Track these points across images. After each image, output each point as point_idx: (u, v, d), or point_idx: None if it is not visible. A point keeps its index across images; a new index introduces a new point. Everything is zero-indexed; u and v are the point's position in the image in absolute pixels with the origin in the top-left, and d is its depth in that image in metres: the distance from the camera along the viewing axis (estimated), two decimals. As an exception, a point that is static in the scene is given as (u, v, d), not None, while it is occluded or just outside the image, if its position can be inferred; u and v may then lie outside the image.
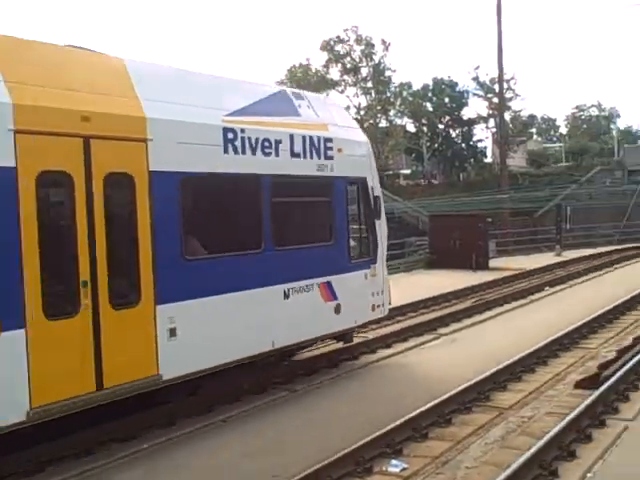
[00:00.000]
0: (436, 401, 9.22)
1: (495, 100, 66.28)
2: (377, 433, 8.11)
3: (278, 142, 10.43)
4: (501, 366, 11.07)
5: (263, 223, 10.22)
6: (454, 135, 76.29)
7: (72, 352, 7.60)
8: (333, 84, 71.31)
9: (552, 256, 30.77)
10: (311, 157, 11.15)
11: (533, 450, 7.48)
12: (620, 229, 42.09)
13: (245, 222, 10.28)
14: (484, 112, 73.97)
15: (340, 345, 12.55)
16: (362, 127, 68.46)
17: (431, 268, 26.33)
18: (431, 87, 75.52)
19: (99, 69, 8.68)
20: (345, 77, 71.03)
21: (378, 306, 12.64)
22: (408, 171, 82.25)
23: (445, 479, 7.42)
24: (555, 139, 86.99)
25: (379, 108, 71.78)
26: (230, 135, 9.62)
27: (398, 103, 73.36)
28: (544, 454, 7.49)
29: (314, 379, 11.28)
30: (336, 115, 12.49)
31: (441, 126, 77.70)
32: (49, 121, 7.49)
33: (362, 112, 71.28)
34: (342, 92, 71.91)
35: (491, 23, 45.29)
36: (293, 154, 10.75)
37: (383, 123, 73.26)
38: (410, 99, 73.77)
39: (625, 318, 15.88)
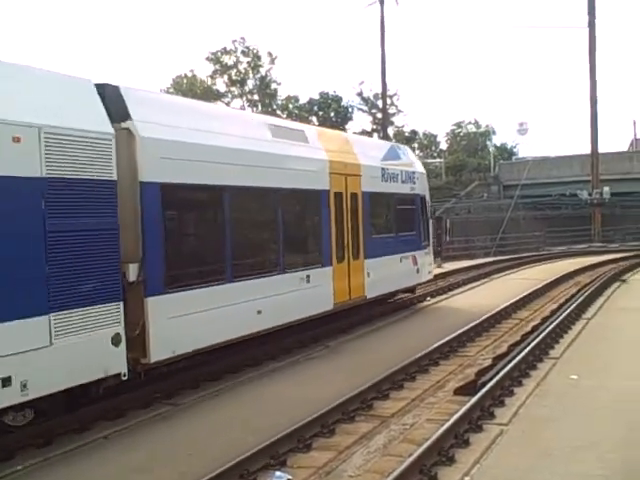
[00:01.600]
0: (319, 412, 9.27)
1: (379, 115, 67.95)
2: (260, 446, 8.07)
3: (396, 175, 18.89)
4: (383, 375, 11.26)
5: (394, 220, 18.93)
6: (339, 149, 77.34)
7: (344, 279, 15.72)
8: (219, 95, 70.96)
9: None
10: (407, 183, 19.51)
11: (414, 457, 7.64)
12: (496, 241, 43.90)
13: (387, 218, 18.90)
14: (368, 127, 75.56)
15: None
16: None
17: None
18: (317, 101, 76.31)
19: (344, 141, 17.96)
20: (231, 88, 70.84)
21: (429, 272, 21.25)
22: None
23: (329, 488, 7.47)
24: (436, 154, 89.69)
25: (265, 121, 71.74)
26: (383, 172, 18.17)
27: (284, 116, 73.76)
28: (424, 460, 7.66)
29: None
30: (411, 156, 21.67)
31: (326, 140, 78.45)
32: (339, 169, 15.74)
33: (248, 124, 71.09)
34: (228, 104, 71.67)
35: (375, 39, 46.31)
36: (402, 181, 19.18)
37: (269, 136, 73.34)
38: (296, 112, 74.34)
39: (500, 326, 16.53)
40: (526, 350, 12.45)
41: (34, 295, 8.18)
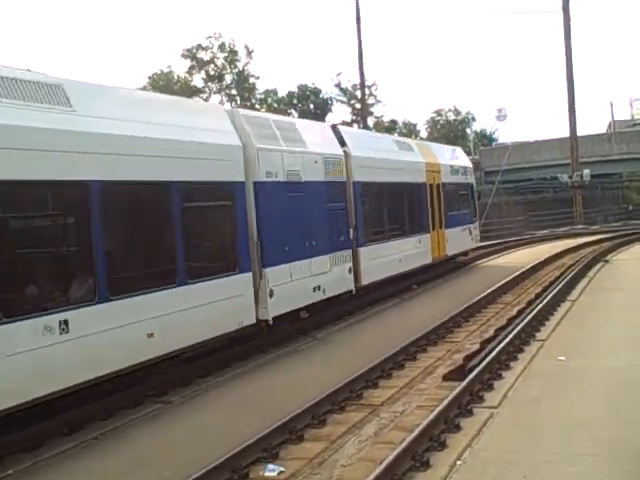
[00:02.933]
0: (310, 403, 9.27)
1: (358, 106, 67.89)
2: (252, 440, 8.07)
3: (457, 169, 26.54)
4: (372, 364, 11.28)
5: (458, 201, 26.16)
6: (319, 141, 77.26)
7: (435, 242, 22.87)
8: (197, 91, 70.57)
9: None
10: (463, 175, 27.33)
11: (405, 443, 7.66)
12: (480, 227, 44.00)
13: (455, 200, 25.72)
14: (348, 118, 75.46)
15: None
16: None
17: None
18: (296, 94, 76.09)
19: (429, 147, 26.19)
20: (209, 84, 70.49)
21: (477, 240, 28.80)
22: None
23: (322, 479, 7.48)
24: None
25: (245, 115, 71.48)
26: (451, 168, 25.77)
27: (264, 110, 73.53)
28: (416, 446, 7.68)
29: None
30: (464, 155, 30.03)
31: (307, 132, 78.33)
32: (430, 168, 23.28)
33: (228, 119, 70.80)
34: (207, 99, 71.25)
35: (352, 29, 46.25)
36: (461, 174, 27.06)
37: (249, 130, 73.11)
38: (275, 106, 74.08)
39: (486, 311, 16.61)
40: (513, 333, 12.52)
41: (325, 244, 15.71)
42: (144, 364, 10.26)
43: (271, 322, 13.24)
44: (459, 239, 25.85)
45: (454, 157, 27.63)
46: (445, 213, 24.26)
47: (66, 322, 8.85)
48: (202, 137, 11.90)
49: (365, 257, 17.69)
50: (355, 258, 17.21)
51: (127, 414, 10.05)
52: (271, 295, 13.21)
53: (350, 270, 16.82)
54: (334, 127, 18.70)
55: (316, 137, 16.43)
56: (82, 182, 9.38)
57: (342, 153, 17.13)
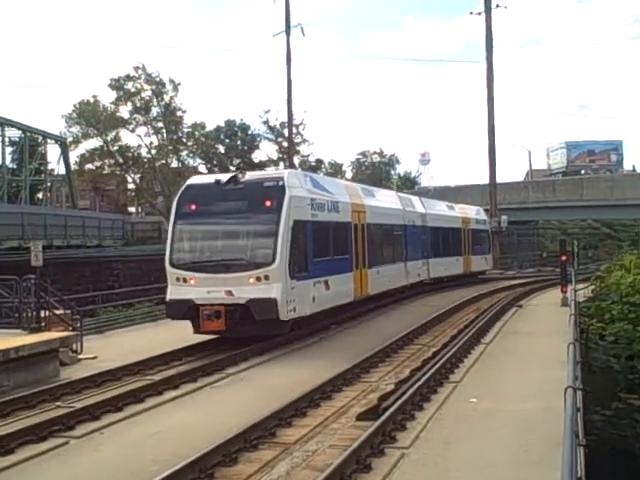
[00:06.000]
0: (221, 440, 9.12)
1: (285, 144, 68.30)
2: (161, 476, 7.86)
3: (479, 220, 41.70)
4: (286, 402, 11.19)
5: (478, 239, 40.96)
6: (245, 177, 77.13)
7: (467, 263, 38.53)
8: (124, 122, 69.80)
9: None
10: (482, 224, 42.18)
11: (316, 483, 7.61)
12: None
13: (478, 238, 40.63)
14: (274, 155, 75.83)
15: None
16: (153, 168, 67.68)
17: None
18: (224, 129, 76.01)
19: (462, 208, 41.39)
20: (136, 115, 69.81)
21: (490, 264, 42.33)
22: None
23: (230, 519, 7.34)
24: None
25: (171, 148, 71.09)
26: (476, 219, 41.37)
27: (190, 143, 73.20)
28: (327, 486, 7.65)
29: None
30: (482, 212, 43.61)
31: (233, 168, 78.27)
32: (463, 219, 39.73)
33: (153, 152, 70.30)
34: (133, 131, 70.52)
35: (282, 68, 46.68)
36: (481, 223, 42.17)
37: (175, 163, 72.59)
38: (202, 140, 73.79)
39: (403, 352, 16.73)
40: (427, 375, 12.66)
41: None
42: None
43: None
44: (481, 262, 40.36)
45: (477, 213, 42.18)
46: (472, 246, 38.87)
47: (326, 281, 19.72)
48: (392, 205, 28.63)
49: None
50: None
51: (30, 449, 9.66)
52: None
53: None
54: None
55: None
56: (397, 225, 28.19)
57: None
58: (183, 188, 18.99)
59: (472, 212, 41.03)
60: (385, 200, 28.17)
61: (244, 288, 16.75)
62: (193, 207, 18.01)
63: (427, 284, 32.12)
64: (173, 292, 17.55)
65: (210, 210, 17.97)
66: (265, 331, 17.01)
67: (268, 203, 17.43)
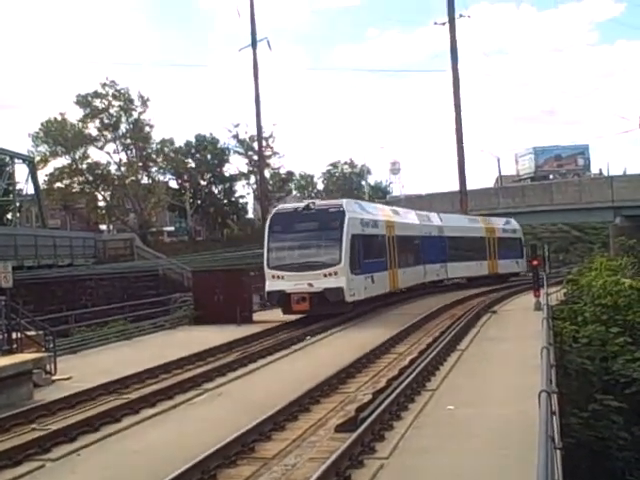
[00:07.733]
0: (199, 457, 9.04)
1: (255, 157, 68.26)
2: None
3: (507, 229, 46.67)
4: (264, 417, 11.13)
5: (511, 246, 46.01)
6: (217, 191, 76.94)
7: (494, 265, 43.95)
8: (92, 140, 69.29)
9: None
10: (514, 233, 47.45)
11: (296, 497, 7.58)
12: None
13: (509, 245, 45.97)
14: (245, 169, 75.74)
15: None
16: (123, 185, 67.15)
17: (197, 324, 26.01)
18: (193, 144, 75.75)
19: (486, 219, 46.44)
20: (104, 133, 69.33)
21: (523, 268, 43.91)
22: (172, 228, 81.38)
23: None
24: (313, 195, 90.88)
25: (140, 164, 70.69)
26: (504, 229, 46.35)
27: (160, 159, 72.79)
28: (307, 500, 7.64)
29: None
30: (514, 221, 48.15)
31: (203, 183, 78.05)
32: (487, 230, 44.50)
33: (123, 169, 69.86)
34: (101, 148, 70.04)
35: (250, 82, 46.78)
36: (512, 231, 47.26)
37: (145, 180, 72.12)
38: (172, 155, 73.44)
39: (380, 362, 16.74)
40: (404, 384, 12.67)
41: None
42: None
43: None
44: (513, 265, 45.47)
45: (507, 223, 47.13)
46: (500, 252, 43.96)
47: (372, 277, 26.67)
48: (411, 221, 35.07)
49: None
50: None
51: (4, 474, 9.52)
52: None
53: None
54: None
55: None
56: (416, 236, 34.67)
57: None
58: (272, 214, 27.55)
59: (500, 223, 46.14)
60: (406, 217, 35.38)
61: (320, 281, 24.00)
62: (281, 227, 25.62)
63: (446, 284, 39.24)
64: (271, 285, 24.93)
65: (293, 229, 25.42)
66: (336, 310, 24.24)
67: (334, 223, 24.83)
